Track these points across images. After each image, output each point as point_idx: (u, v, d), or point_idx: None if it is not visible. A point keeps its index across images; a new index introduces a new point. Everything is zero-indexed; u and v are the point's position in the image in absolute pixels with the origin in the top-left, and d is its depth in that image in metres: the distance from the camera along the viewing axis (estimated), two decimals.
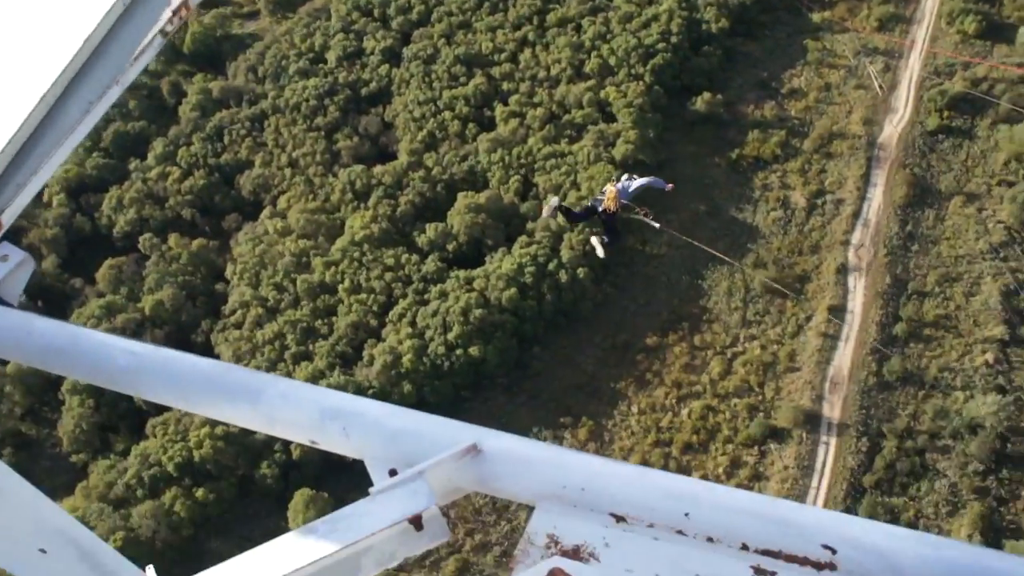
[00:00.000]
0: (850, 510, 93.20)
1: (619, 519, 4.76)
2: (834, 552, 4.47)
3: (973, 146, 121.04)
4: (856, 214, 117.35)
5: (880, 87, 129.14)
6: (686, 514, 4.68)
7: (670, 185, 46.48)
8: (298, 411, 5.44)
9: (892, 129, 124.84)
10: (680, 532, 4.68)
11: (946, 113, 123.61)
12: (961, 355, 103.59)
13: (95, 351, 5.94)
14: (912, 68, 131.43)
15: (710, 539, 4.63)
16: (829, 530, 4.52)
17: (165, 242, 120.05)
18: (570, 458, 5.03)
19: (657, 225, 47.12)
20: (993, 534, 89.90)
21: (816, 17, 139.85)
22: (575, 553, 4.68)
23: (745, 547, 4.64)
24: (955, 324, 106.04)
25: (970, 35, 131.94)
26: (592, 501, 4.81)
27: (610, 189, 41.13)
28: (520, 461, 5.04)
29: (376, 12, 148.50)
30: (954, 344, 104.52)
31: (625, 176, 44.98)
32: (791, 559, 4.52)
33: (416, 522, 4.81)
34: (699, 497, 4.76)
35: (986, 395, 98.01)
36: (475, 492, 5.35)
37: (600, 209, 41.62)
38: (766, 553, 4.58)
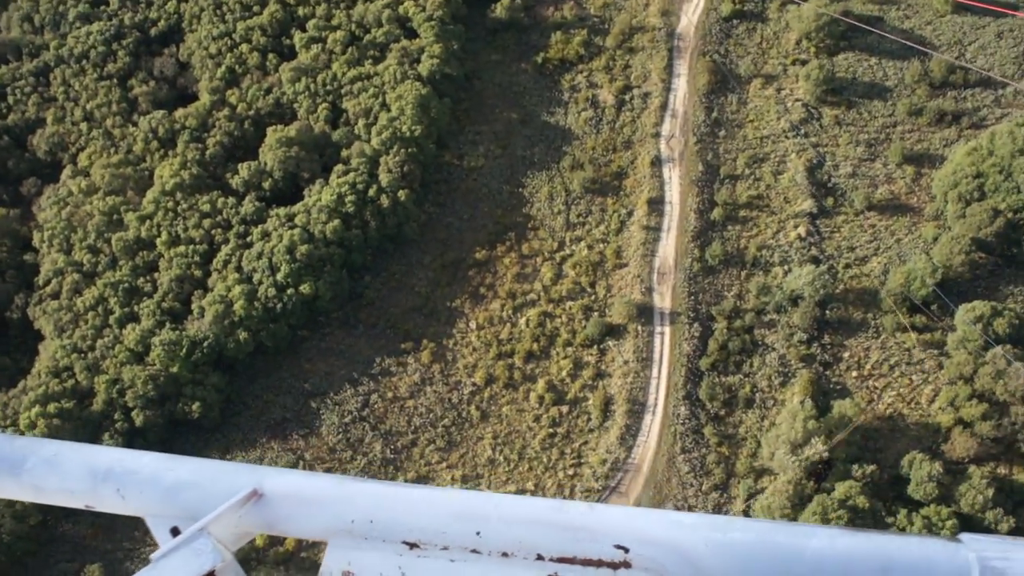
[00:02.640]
0: (691, 395, 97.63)
1: (412, 546, 4.79)
2: (627, 551, 4.61)
3: (766, 28, 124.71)
4: (664, 106, 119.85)
5: None
6: (478, 533, 4.74)
7: None
8: (67, 477, 5.14)
9: (689, 18, 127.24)
10: (474, 551, 4.73)
11: None
12: (776, 232, 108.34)
13: None
14: None
15: (505, 554, 4.70)
16: (619, 529, 4.65)
17: None
18: (356, 489, 4.96)
19: None
20: (822, 396, 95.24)
21: None
22: None
23: (540, 557, 4.73)
24: (767, 203, 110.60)
25: None
26: (383, 531, 4.83)
27: None
28: (304, 501, 4.97)
29: None
30: (768, 222, 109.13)
31: None
32: (587, 563, 4.64)
33: None
34: (488, 514, 4.78)
35: (802, 267, 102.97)
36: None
37: None
38: (561, 560, 4.68)
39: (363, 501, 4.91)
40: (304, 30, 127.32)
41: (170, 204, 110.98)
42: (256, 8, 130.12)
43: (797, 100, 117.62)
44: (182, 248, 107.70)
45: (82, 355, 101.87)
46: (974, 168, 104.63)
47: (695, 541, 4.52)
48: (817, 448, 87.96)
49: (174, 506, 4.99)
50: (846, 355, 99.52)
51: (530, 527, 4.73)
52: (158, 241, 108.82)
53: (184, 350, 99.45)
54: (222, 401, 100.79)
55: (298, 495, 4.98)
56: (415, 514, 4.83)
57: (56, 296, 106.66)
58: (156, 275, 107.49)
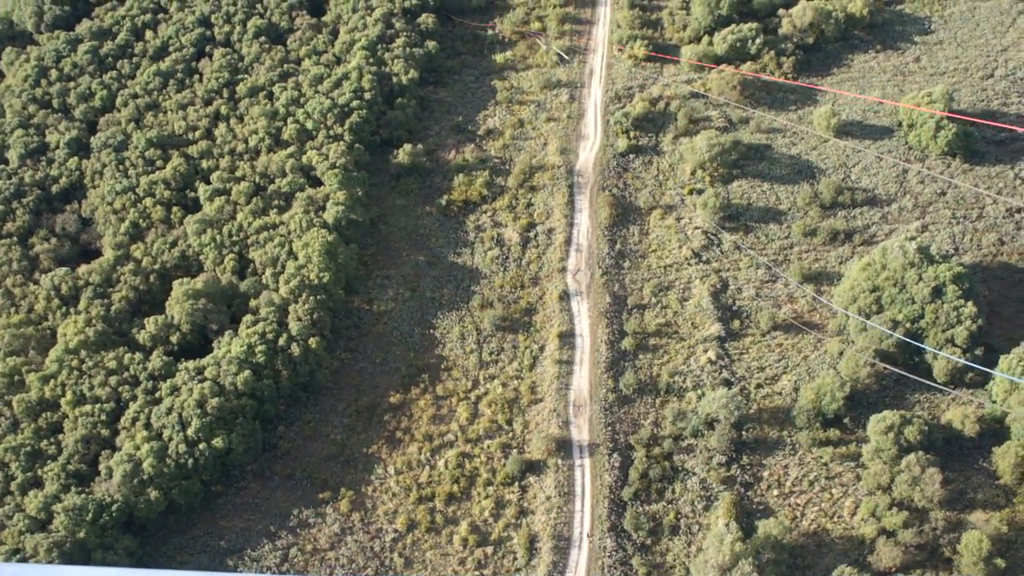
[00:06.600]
0: (615, 526, 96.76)
1: None
2: None
3: (661, 161, 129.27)
4: (568, 241, 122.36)
5: (563, 57, 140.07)
6: None
7: None
8: None
9: (587, 155, 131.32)
10: None
11: (632, 133, 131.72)
12: (687, 357, 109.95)
13: None
14: (595, 95, 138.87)
15: None
16: None
17: None
18: None
19: None
20: (746, 517, 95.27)
21: (499, 58, 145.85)
22: None
23: None
24: (676, 330, 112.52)
25: (640, 59, 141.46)
26: None
27: None
28: None
29: (55, 102, 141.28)
30: (678, 348, 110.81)
31: None
32: None
33: None
34: None
35: (715, 390, 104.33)
36: None
37: None
38: None
39: None
40: (208, 182, 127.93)
41: (74, 363, 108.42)
42: (159, 162, 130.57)
43: (697, 228, 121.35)
44: (88, 407, 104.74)
45: None
46: (870, 283, 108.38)
47: None
48: (745, 571, 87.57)
49: None
50: (766, 474, 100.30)
51: None
52: (62, 401, 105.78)
53: (91, 514, 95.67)
54: (134, 565, 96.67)
55: None
56: None
57: None
58: (61, 436, 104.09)
